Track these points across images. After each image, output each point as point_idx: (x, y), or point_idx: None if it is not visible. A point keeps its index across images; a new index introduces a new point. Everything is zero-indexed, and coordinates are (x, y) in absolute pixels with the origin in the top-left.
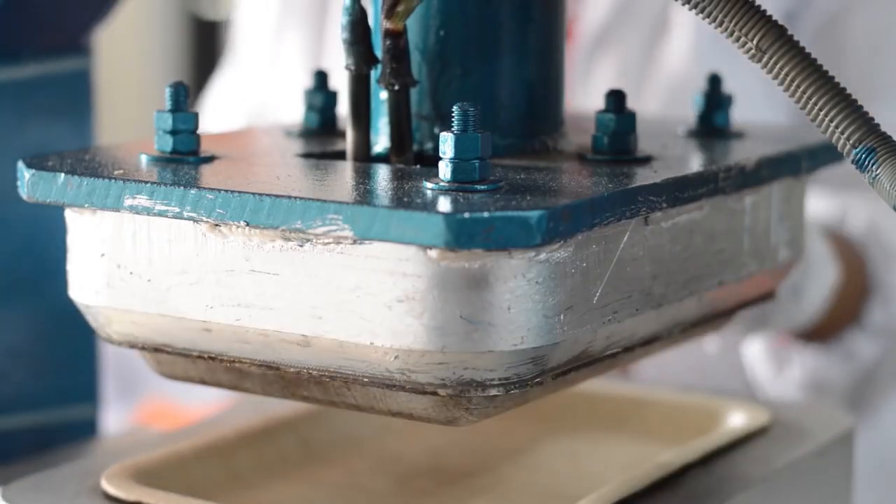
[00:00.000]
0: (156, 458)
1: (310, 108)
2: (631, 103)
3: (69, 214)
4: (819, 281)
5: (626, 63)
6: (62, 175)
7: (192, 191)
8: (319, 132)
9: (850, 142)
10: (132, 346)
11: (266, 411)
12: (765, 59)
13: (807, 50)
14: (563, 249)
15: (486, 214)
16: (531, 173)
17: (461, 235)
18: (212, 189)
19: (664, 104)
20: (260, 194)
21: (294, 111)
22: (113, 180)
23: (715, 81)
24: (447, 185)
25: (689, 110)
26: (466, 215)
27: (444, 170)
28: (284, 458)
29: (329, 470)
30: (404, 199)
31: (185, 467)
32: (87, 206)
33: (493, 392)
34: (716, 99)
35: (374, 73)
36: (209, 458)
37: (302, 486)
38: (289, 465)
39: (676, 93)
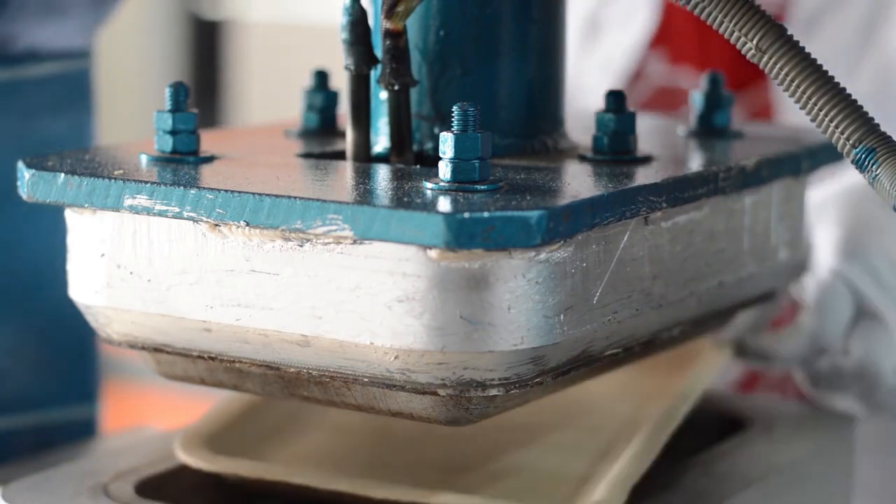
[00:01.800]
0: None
1: (310, 108)
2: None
3: (69, 214)
4: None
5: (840, 45)
6: (62, 175)
7: (192, 191)
8: (319, 132)
9: (850, 142)
10: (132, 346)
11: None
12: (764, 60)
13: (806, 49)
14: (563, 249)
15: (486, 214)
16: (531, 173)
17: (461, 235)
18: (212, 189)
19: (877, 89)
20: (260, 194)
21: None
22: (113, 180)
23: (715, 81)
24: (447, 185)
25: None
26: (466, 215)
27: (444, 170)
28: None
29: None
30: (404, 199)
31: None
32: (87, 206)
33: (493, 392)
34: (716, 99)
35: (374, 73)
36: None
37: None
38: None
39: (890, 76)
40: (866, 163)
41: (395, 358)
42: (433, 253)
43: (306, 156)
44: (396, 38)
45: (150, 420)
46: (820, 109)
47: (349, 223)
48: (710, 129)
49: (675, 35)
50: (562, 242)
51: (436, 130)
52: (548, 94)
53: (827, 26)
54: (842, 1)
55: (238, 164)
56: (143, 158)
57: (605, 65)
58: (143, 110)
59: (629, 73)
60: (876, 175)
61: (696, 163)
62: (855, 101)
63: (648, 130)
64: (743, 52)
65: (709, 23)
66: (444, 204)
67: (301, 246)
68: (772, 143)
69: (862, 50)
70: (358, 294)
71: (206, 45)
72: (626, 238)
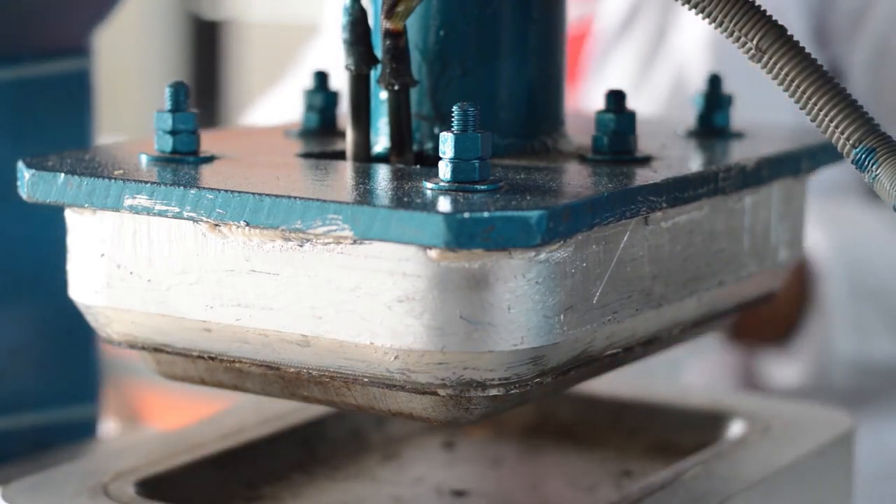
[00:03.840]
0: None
1: (310, 108)
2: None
3: (69, 214)
4: None
5: (638, 55)
6: (62, 175)
7: (192, 191)
8: (319, 132)
9: (850, 142)
10: (132, 346)
11: (266, 411)
12: (765, 60)
13: (807, 50)
14: (563, 249)
15: (486, 214)
16: (531, 173)
17: (461, 235)
18: (212, 189)
19: (671, 92)
20: (260, 194)
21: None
22: (113, 180)
23: (715, 81)
24: (447, 185)
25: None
26: (466, 215)
27: (444, 170)
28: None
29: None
30: (404, 199)
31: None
32: (87, 206)
33: (493, 392)
34: (716, 99)
35: (374, 73)
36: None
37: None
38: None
39: (682, 80)
40: (866, 163)
41: (395, 358)
42: (433, 253)
43: (306, 156)
44: (396, 38)
45: (150, 420)
46: (820, 109)
47: (349, 223)
48: (710, 129)
49: None
50: (562, 242)
51: (436, 130)
52: (548, 94)
53: (624, 41)
54: (635, 16)
55: (238, 164)
56: (143, 158)
57: None
58: (143, 110)
59: None
60: (876, 175)
61: (696, 163)
62: (855, 101)
63: (648, 130)
64: (743, 51)
65: (709, 22)
66: (444, 204)
67: (301, 246)
68: (772, 143)
69: (653, 60)
70: (358, 294)
71: (206, 45)
72: (626, 238)
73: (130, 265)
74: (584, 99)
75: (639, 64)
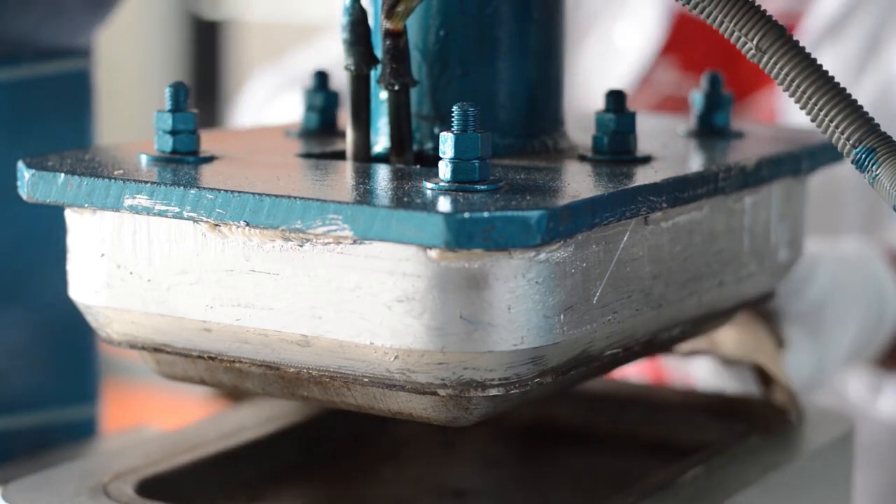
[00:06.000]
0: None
1: (310, 108)
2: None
3: (69, 214)
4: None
5: (846, 60)
6: (62, 175)
7: (192, 191)
8: (319, 132)
9: (850, 142)
10: (132, 346)
11: (266, 411)
12: (765, 60)
13: (807, 50)
14: (563, 249)
15: (485, 214)
16: (531, 173)
17: (461, 235)
18: (212, 189)
19: (876, 106)
20: (260, 194)
21: None
22: (113, 180)
23: (715, 81)
24: (447, 185)
25: None
26: (466, 215)
27: (444, 170)
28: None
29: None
30: (404, 199)
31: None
32: (87, 206)
33: (493, 392)
34: (716, 99)
35: (374, 73)
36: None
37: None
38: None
39: (890, 93)
40: (866, 163)
41: (395, 358)
42: (433, 253)
43: (306, 156)
44: (396, 38)
45: (150, 420)
46: (820, 109)
47: (349, 223)
48: (710, 129)
49: (685, 44)
50: (562, 242)
51: (436, 130)
52: (548, 94)
53: (832, 44)
54: (847, 20)
55: (238, 164)
56: (143, 158)
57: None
58: (143, 110)
59: (637, 80)
60: (876, 175)
61: (696, 163)
62: (855, 101)
63: (648, 130)
64: (743, 51)
65: (709, 22)
66: (444, 204)
67: (301, 246)
68: (772, 143)
69: (862, 68)
70: (358, 294)
71: (206, 45)
72: (626, 238)
73: (130, 265)
74: (777, 99)
75: (845, 71)
